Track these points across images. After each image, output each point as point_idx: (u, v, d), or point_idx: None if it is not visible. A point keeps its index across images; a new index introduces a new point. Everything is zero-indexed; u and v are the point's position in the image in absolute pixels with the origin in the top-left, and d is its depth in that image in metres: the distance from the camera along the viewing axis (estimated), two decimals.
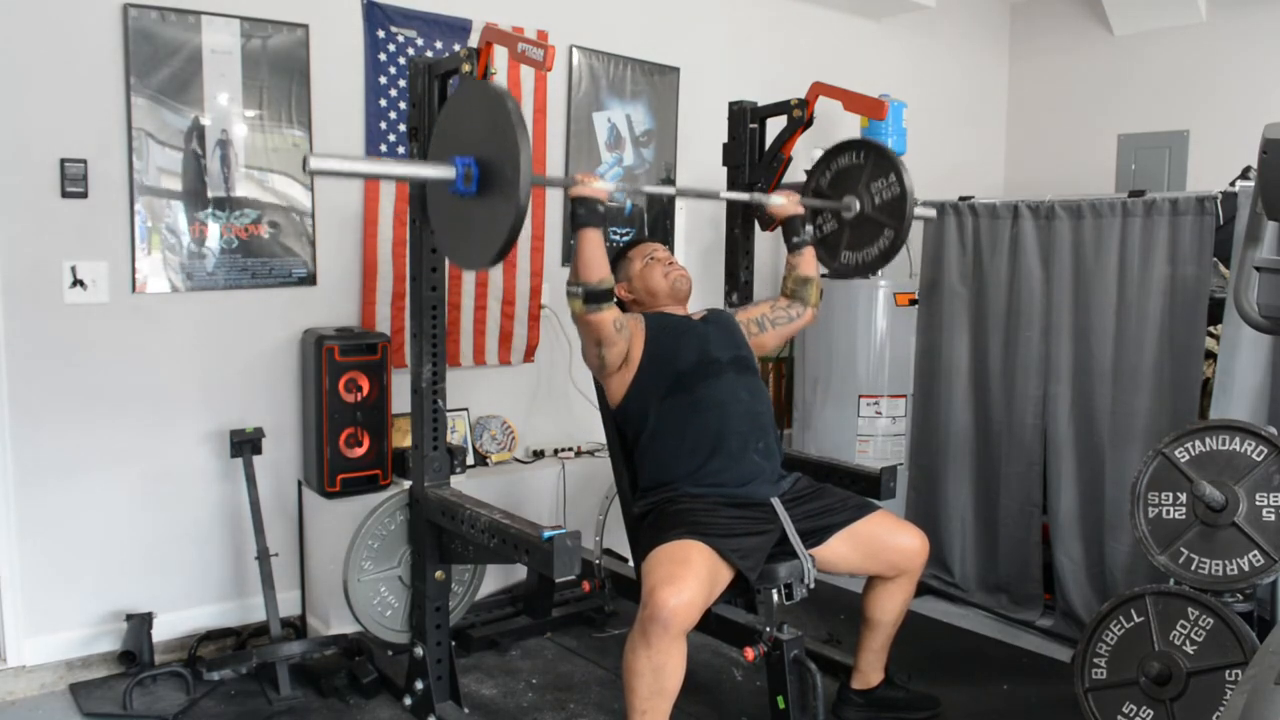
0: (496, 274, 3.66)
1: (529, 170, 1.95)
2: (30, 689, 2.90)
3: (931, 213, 3.19)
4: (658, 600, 2.19)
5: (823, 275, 2.99)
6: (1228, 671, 2.32)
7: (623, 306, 2.84)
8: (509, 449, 3.75)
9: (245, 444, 3.09)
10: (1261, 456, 2.44)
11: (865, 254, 2.98)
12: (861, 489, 2.87)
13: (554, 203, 3.83)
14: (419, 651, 2.70)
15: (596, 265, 2.45)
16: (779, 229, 3.09)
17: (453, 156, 2.13)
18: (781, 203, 2.87)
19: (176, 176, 3.04)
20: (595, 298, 2.45)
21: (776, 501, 2.54)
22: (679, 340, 2.66)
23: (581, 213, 2.46)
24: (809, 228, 2.93)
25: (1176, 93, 4.86)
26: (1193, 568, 2.47)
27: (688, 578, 2.24)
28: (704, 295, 3.84)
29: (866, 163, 2.92)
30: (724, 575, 2.36)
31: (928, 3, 4.71)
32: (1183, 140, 4.78)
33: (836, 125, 4.41)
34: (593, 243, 2.45)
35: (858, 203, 2.93)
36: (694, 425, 2.58)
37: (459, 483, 2.99)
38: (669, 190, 2.65)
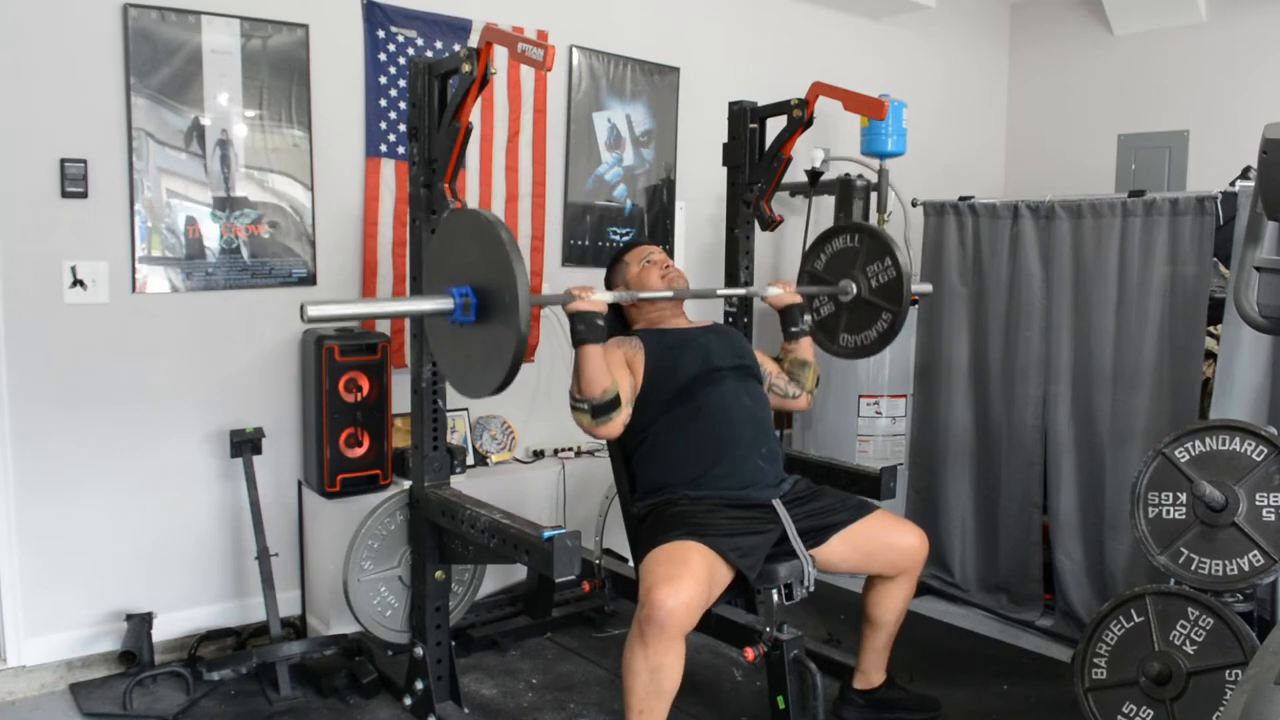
0: None
1: (527, 297, 1.94)
2: (30, 689, 2.90)
3: (928, 288, 3.18)
4: (655, 600, 2.19)
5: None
6: (1228, 671, 2.32)
7: (621, 311, 2.84)
8: (509, 449, 3.75)
9: (245, 444, 3.09)
10: (1261, 456, 2.44)
11: (864, 337, 2.93)
12: (861, 489, 2.87)
13: (553, 205, 3.83)
14: (419, 651, 2.70)
15: (599, 380, 2.41)
16: (776, 226, 3.08)
17: (449, 288, 2.10)
18: (779, 293, 2.82)
19: (176, 176, 3.04)
20: (602, 410, 2.43)
21: (778, 502, 2.54)
22: (680, 355, 2.66)
23: (581, 329, 2.39)
24: (807, 317, 2.87)
25: (1176, 93, 4.86)
26: (1193, 568, 2.47)
27: (685, 578, 2.23)
28: None
29: (862, 246, 2.89)
30: (723, 576, 2.36)
31: (928, 2, 4.71)
32: (1183, 140, 4.77)
33: (836, 125, 4.42)
34: (594, 359, 2.40)
35: (854, 286, 2.90)
36: (696, 432, 2.58)
37: (459, 483, 2.99)
38: (665, 295, 2.68)
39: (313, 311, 1.94)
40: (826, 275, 2.99)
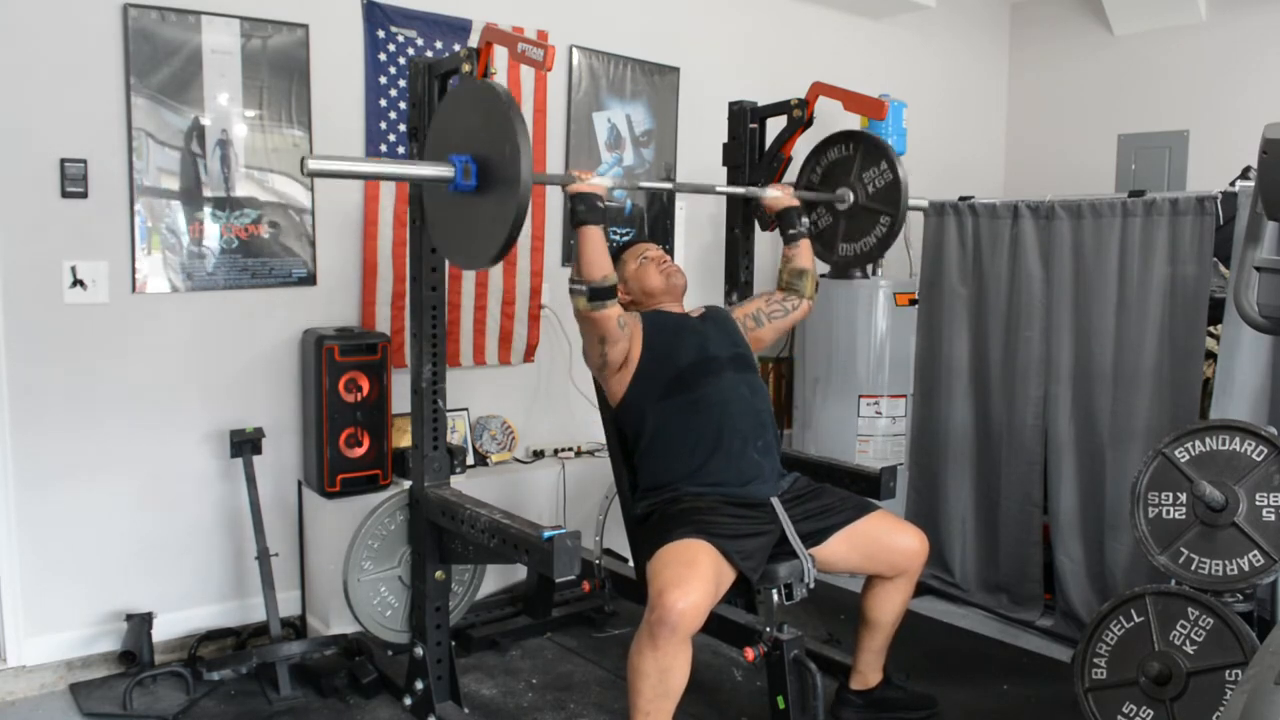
0: (496, 274, 3.66)
1: (529, 161, 1.95)
2: (30, 689, 2.90)
3: (924, 203, 3.19)
4: (666, 603, 2.19)
5: (823, 275, 2.98)
6: (1228, 671, 2.32)
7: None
8: (509, 449, 3.75)
9: (245, 444, 3.09)
10: (1261, 456, 2.44)
11: (863, 244, 2.98)
12: (861, 489, 2.87)
13: (554, 204, 3.83)
14: (419, 651, 2.70)
15: (599, 262, 2.45)
16: (776, 226, 3.08)
17: (450, 155, 2.13)
18: (777, 195, 2.89)
19: (176, 176, 3.04)
20: (599, 295, 2.45)
21: (776, 501, 2.54)
22: (677, 338, 2.66)
23: (581, 209, 2.46)
24: (805, 219, 2.94)
25: (1176, 93, 4.86)
26: (1193, 568, 2.47)
27: (694, 580, 2.23)
28: (704, 295, 3.84)
29: (856, 153, 2.93)
30: (728, 576, 2.36)
31: (928, 2, 4.71)
32: (1183, 140, 4.78)
33: (836, 125, 4.41)
34: (594, 240, 2.45)
35: (851, 194, 2.94)
36: (694, 424, 2.58)
37: (459, 483, 2.99)
38: (666, 186, 2.70)
39: (312, 165, 1.96)
40: (822, 187, 3.03)
